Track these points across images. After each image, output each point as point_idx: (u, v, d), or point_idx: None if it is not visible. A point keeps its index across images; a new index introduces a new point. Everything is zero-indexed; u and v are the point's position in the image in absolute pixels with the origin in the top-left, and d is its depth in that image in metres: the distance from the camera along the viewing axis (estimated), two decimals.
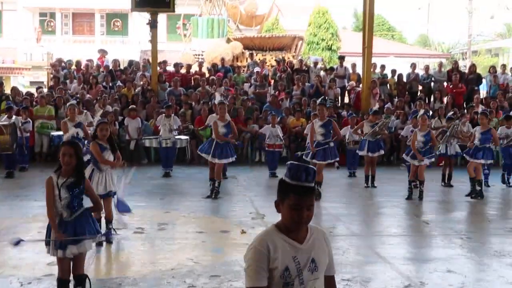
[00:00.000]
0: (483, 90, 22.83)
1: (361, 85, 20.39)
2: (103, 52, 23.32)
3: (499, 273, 7.60)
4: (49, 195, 5.45)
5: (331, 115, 18.15)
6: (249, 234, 9.32)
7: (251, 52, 25.70)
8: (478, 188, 12.79)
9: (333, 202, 12.11)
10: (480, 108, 18.52)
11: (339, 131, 12.89)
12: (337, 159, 12.96)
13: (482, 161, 12.85)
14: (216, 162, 12.25)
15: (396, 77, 21.39)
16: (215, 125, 12.32)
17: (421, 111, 14.87)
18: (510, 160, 14.60)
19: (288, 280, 3.19)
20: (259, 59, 24.88)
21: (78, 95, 18.14)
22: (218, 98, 16.62)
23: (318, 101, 13.57)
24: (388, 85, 21.33)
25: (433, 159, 13.05)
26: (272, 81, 21.43)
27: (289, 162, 3.32)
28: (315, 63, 22.60)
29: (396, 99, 19.90)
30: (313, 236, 3.32)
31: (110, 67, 21.33)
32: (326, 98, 17.80)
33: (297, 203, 3.18)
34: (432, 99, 20.75)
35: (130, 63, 22.98)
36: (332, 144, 12.41)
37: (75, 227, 5.51)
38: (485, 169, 13.99)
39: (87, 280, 5.76)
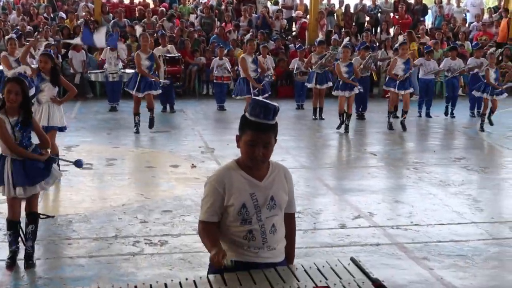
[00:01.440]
0: (428, 21, 23.00)
1: (308, 16, 20.27)
2: None
3: (444, 202, 7.83)
4: (6, 135, 5.27)
5: (278, 47, 18.17)
6: (199, 168, 9.34)
7: None
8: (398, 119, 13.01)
9: (282, 135, 11.97)
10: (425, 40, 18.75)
11: (358, 72, 12.84)
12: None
13: (408, 91, 12.96)
14: (139, 96, 11.86)
15: (343, 8, 21.28)
16: (138, 58, 11.88)
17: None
18: (453, 93, 14.84)
19: (245, 217, 3.19)
20: None
21: (18, 27, 17.46)
22: (139, 30, 16.23)
23: (343, 43, 13.53)
24: (335, 15, 21.22)
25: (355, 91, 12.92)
26: (218, 12, 21.05)
27: (252, 98, 3.27)
28: None
29: (343, 30, 19.86)
30: (274, 173, 3.30)
31: None
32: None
33: (252, 139, 3.14)
34: (379, 30, 20.80)
35: None
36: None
37: (27, 166, 5.37)
38: (419, 99, 14.40)
39: (40, 217, 5.69)
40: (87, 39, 12.73)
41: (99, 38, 12.02)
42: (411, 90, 13.04)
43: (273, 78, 15.66)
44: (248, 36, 17.61)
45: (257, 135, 3.14)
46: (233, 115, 12.16)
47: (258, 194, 3.21)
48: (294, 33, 20.73)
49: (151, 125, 11.97)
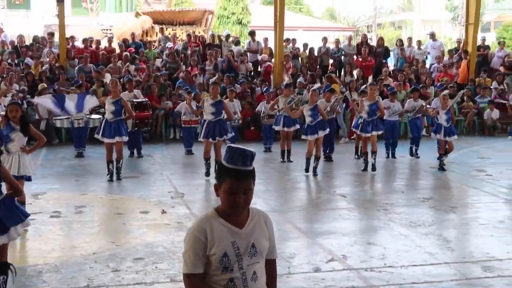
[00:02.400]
0: (390, 63, 23.47)
1: (273, 60, 20.52)
2: None
3: (416, 242, 7.88)
4: None
5: (244, 90, 18.28)
6: (170, 214, 9.27)
7: (161, 26, 25.28)
8: (368, 161, 13.03)
9: None
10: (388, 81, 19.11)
11: (324, 114, 12.75)
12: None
13: (374, 133, 13.07)
14: (105, 141, 11.76)
15: (307, 51, 21.60)
16: (103, 102, 11.89)
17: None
18: (417, 133, 15.05)
19: (227, 265, 3.16)
20: (169, 34, 24.54)
21: None
22: (108, 77, 16.23)
23: (313, 87, 13.61)
24: (300, 59, 21.51)
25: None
26: (183, 56, 21.18)
27: (228, 145, 3.27)
28: (227, 36, 22.48)
29: (308, 73, 20.11)
30: (254, 220, 3.29)
31: (16, 43, 20.48)
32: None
33: (232, 187, 3.14)
34: (342, 72, 21.12)
35: (35, 38, 22.06)
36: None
37: None
38: (386, 141, 14.59)
39: (11, 268, 5.55)
40: (57, 105, 12.66)
41: (70, 106, 12.11)
42: (379, 132, 13.15)
43: (240, 121, 15.74)
44: (213, 79, 17.71)
45: (237, 183, 3.14)
46: (202, 159, 12.10)
47: (239, 242, 3.20)
48: (260, 77, 20.92)
49: (118, 174, 11.87)
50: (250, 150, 3.19)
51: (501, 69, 21.88)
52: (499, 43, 26.45)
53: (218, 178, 3.22)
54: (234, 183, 3.14)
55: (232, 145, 3.28)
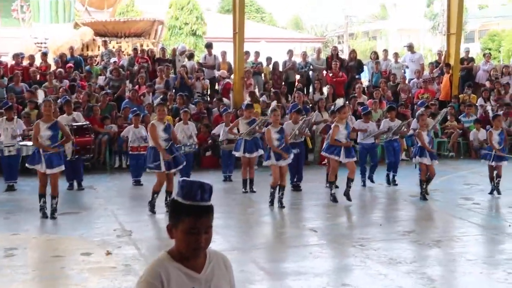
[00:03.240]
0: (364, 79, 23.74)
1: (232, 76, 20.60)
2: None
3: (396, 282, 7.95)
4: None
5: (200, 111, 18.31)
6: (116, 255, 9.20)
7: (104, 39, 25.24)
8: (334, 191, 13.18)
9: None
10: (362, 99, 19.29)
11: (287, 138, 12.84)
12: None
13: (353, 160, 13.13)
14: (38, 169, 11.56)
15: (271, 66, 21.72)
16: (37, 127, 11.55)
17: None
18: (395, 157, 15.15)
19: None
20: (113, 47, 24.53)
21: None
22: (42, 96, 16.13)
23: (272, 106, 13.63)
24: (262, 75, 21.63)
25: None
26: (129, 73, 21.16)
27: (181, 179, 3.27)
28: (182, 52, 22.53)
29: (272, 91, 20.21)
30: (212, 262, 3.31)
31: None
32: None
33: (193, 226, 3.15)
34: (311, 89, 21.28)
35: None
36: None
37: None
38: (361, 167, 14.74)
39: None
40: None
41: None
42: (355, 158, 13.19)
43: (196, 146, 15.72)
44: (158, 99, 17.45)
45: (198, 221, 3.16)
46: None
47: None
48: (217, 96, 20.98)
49: (53, 214, 11.65)
50: (208, 183, 3.22)
51: (487, 84, 22.27)
52: (484, 55, 26.99)
53: (173, 217, 3.22)
54: (195, 222, 3.16)
55: (186, 178, 3.29)
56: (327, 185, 14.65)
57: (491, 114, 16.40)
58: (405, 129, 15.16)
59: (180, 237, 3.19)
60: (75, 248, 9.75)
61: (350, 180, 12.96)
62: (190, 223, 3.15)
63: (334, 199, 12.96)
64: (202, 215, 3.17)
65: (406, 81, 21.82)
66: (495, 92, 21.32)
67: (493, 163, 13.56)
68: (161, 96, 18.36)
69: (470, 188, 14.86)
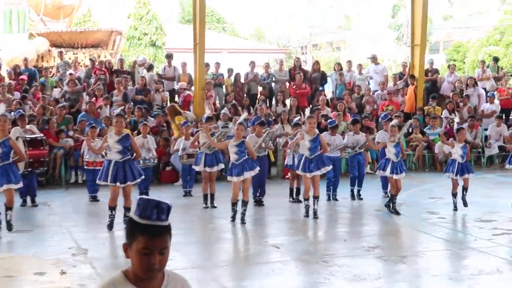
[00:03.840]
0: (328, 90, 23.88)
1: (193, 88, 20.58)
2: None
3: None
4: None
5: (159, 123, 18.23)
6: (71, 275, 9.06)
7: (59, 50, 25.06)
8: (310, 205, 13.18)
9: None
10: (326, 111, 19.40)
11: (252, 152, 12.67)
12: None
13: (318, 173, 13.12)
14: None
15: (232, 78, 21.75)
16: None
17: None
18: (359, 171, 15.24)
19: None
20: (69, 59, 24.35)
21: None
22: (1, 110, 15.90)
23: (239, 120, 13.41)
24: (224, 86, 21.65)
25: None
26: (86, 85, 21.03)
27: (139, 197, 3.23)
28: (141, 64, 22.44)
29: (232, 103, 20.22)
30: (169, 285, 3.26)
31: None
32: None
33: (147, 246, 3.11)
34: (274, 101, 21.35)
35: None
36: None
37: None
38: (327, 181, 14.72)
39: None
40: None
41: None
42: (320, 172, 13.16)
43: (155, 161, 15.61)
44: (117, 110, 17.26)
45: (152, 241, 3.12)
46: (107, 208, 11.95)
47: None
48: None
49: (9, 227, 11.59)
50: (166, 202, 3.17)
51: (452, 95, 22.54)
52: (448, 66, 27.35)
53: (128, 236, 3.18)
54: (149, 242, 3.11)
55: (144, 196, 3.25)
56: (291, 199, 14.72)
57: (455, 127, 16.56)
58: (371, 142, 15.17)
59: (134, 257, 3.15)
60: (28, 268, 9.59)
61: (316, 198, 12.89)
62: (143, 243, 3.11)
63: (307, 213, 12.95)
64: (157, 235, 3.12)
65: (371, 93, 21.97)
66: (454, 104, 21.61)
67: (457, 177, 13.65)
68: (121, 108, 18.23)
69: (435, 202, 14.96)
